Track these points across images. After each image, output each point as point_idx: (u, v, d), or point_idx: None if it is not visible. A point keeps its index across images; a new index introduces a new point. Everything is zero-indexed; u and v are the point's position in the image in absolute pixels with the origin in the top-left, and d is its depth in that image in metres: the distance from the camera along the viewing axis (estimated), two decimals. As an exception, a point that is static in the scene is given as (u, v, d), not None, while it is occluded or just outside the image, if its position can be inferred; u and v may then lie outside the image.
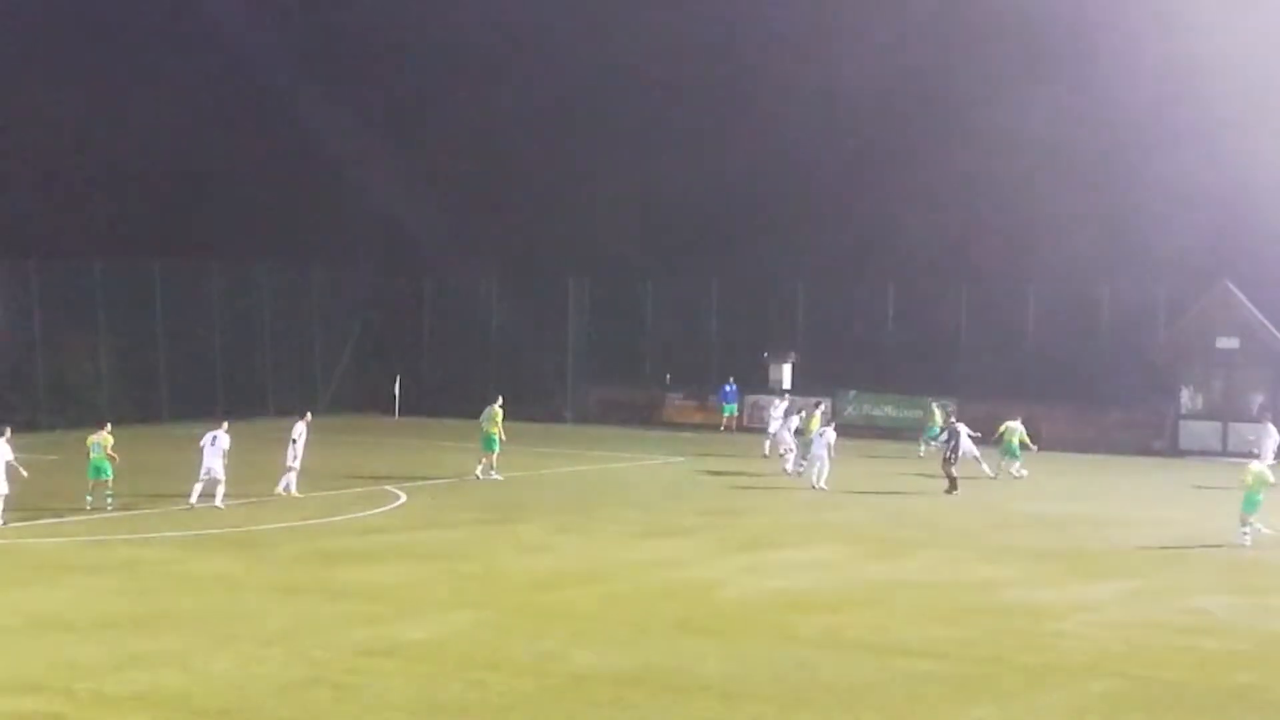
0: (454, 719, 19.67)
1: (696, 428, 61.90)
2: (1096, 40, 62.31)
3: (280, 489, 39.98)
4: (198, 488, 37.40)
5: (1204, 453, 53.60)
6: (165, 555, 31.23)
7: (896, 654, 23.32)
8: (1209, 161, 56.86)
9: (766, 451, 51.78)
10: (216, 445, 37.54)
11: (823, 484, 43.66)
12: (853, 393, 61.98)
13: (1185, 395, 56.81)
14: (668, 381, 65.52)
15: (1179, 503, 43.20)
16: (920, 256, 63.60)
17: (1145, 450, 54.98)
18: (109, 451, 37.08)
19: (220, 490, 37.55)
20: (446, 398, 63.50)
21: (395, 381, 66.97)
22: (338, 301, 69.52)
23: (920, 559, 32.72)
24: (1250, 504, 34.49)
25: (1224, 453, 53.67)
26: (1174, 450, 54.36)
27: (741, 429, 61.04)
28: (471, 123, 71.32)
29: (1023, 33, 61.90)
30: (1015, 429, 46.90)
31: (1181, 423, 56.15)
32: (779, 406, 53.26)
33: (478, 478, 44.51)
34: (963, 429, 45.04)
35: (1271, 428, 49.58)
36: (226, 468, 37.53)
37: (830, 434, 44.75)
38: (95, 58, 66.80)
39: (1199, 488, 45.63)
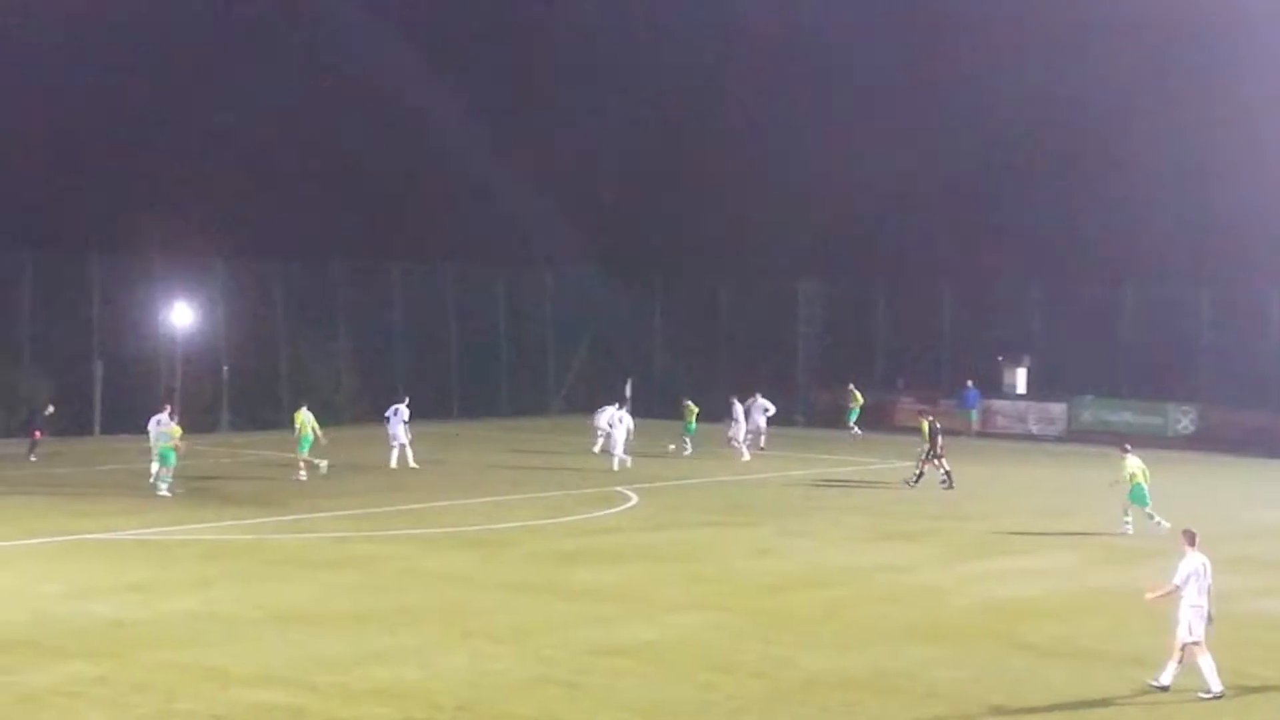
0: (684, 720, 19.91)
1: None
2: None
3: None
4: (394, 453, 46.57)
5: None
6: (403, 552, 32.02)
7: (1130, 663, 23.00)
8: None
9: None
10: (398, 415, 46.85)
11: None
12: (1089, 397, 61.00)
13: None
14: (899, 385, 65.06)
15: None
16: (1158, 257, 62.08)
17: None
18: (176, 442, 39.93)
19: (409, 452, 46.52)
20: (678, 400, 63.76)
21: (626, 383, 67.47)
22: (570, 302, 70.34)
23: (1151, 566, 31.99)
24: (1138, 495, 36.25)
25: None
26: None
27: (979, 434, 60.35)
28: (700, 124, 71.65)
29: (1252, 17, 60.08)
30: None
31: None
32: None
33: (323, 470, 43.78)
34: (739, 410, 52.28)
35: None
36: (408, 433, 46.78)
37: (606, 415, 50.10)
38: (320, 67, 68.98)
39: None
